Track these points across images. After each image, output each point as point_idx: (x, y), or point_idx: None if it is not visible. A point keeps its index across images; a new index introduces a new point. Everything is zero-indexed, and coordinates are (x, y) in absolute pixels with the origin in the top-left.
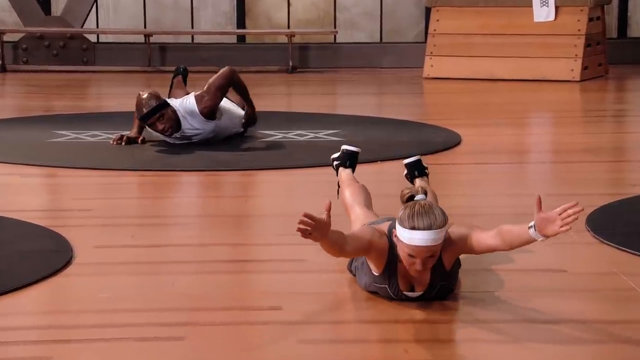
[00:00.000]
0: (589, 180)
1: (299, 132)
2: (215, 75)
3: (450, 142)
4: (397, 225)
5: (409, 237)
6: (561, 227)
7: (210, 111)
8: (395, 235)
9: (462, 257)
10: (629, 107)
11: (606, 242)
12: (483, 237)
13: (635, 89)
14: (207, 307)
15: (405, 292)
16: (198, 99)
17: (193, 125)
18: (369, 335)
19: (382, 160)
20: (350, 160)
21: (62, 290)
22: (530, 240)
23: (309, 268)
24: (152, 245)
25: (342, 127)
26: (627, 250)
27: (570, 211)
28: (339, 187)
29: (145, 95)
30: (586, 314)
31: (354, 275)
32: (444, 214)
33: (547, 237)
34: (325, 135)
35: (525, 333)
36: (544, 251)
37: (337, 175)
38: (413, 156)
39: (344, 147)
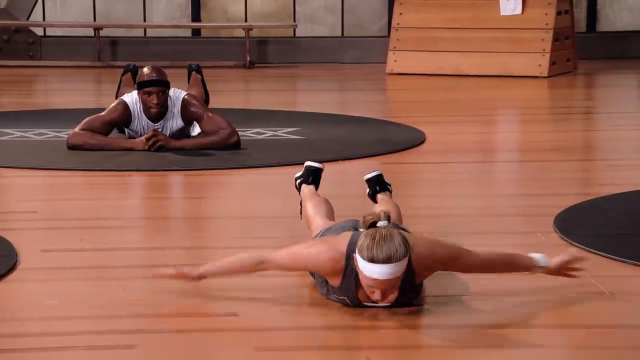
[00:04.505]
0: (556, 179)
1: (257, 130)
2: (226, 128)
3: (414, 140)
4: (357, 255)
5: (369, 270)
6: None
7: (191, 105)
8: (356, 261)
9: None
10: (597, 103)
11: (575, 243)
12: (471, 262)
13: (604, 85)
14: (159, 314)
15: (367, 303)
16: (189, 97)
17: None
18: (330, 341)
19: (344, 159)
20: (313, 177)
21: (6, 297)
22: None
23: (266, 272)
24: (101, 249)
25: (302, 125)
26: (596, 252)
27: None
28: (301, 206)
29: (150, 69)
30: (554, 318)
31: (315, 279)
32: (405, 243)
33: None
34: (284, 133)
35: (492, 338)
36: None
37: (299, 194)
38: (374, 171)
39: (308, 163)
